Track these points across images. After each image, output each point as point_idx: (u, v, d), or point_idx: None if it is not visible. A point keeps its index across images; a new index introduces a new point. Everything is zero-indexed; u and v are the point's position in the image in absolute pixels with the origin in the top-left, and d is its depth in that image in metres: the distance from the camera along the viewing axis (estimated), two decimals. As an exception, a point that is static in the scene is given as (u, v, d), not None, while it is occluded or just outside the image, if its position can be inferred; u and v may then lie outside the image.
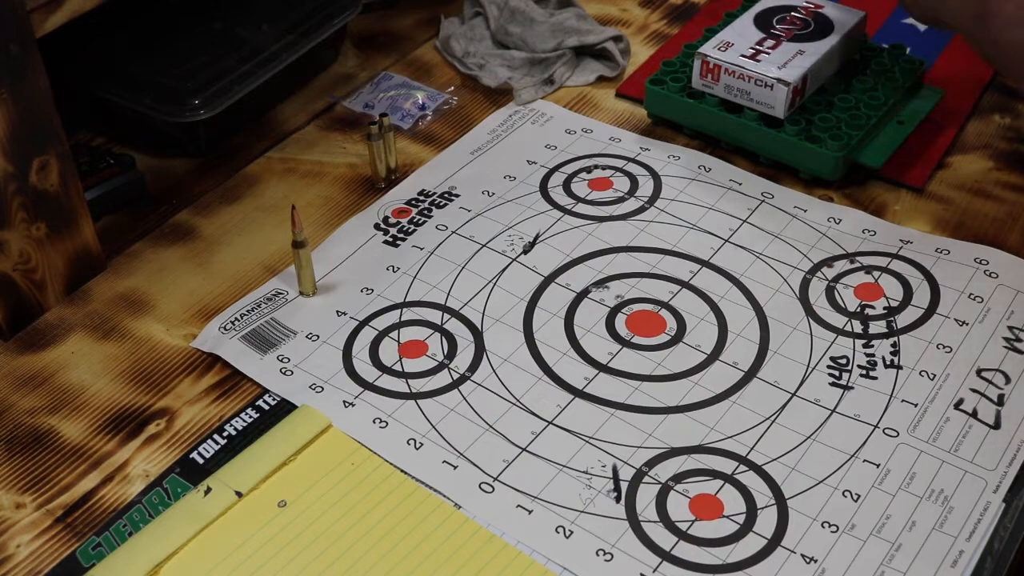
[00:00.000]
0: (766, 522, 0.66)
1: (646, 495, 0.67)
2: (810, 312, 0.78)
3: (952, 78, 0.96)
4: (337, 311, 0.80)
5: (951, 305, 0.77)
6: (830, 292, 0.79)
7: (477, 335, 0.78)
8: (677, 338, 0.77)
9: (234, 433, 0.72)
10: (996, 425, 0.70)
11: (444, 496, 0.68)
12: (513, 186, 0.90)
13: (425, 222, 0.87)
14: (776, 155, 0.89)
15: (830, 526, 0.65)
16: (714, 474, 0.68)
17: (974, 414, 0.70)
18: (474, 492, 0.68)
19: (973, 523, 0.65)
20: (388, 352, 0.77)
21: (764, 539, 0.65)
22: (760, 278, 0.81)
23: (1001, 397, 0.71)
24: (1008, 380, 0.72)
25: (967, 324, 0.76)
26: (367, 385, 0.74)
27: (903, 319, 0.77)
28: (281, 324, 0.79)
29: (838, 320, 0.77)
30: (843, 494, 0.67)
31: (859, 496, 0.67)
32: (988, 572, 0.64)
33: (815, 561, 0.64)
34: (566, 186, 0.89)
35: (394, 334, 0.78)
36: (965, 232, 0.84)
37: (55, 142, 0.77)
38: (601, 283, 0.81)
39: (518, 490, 0.68)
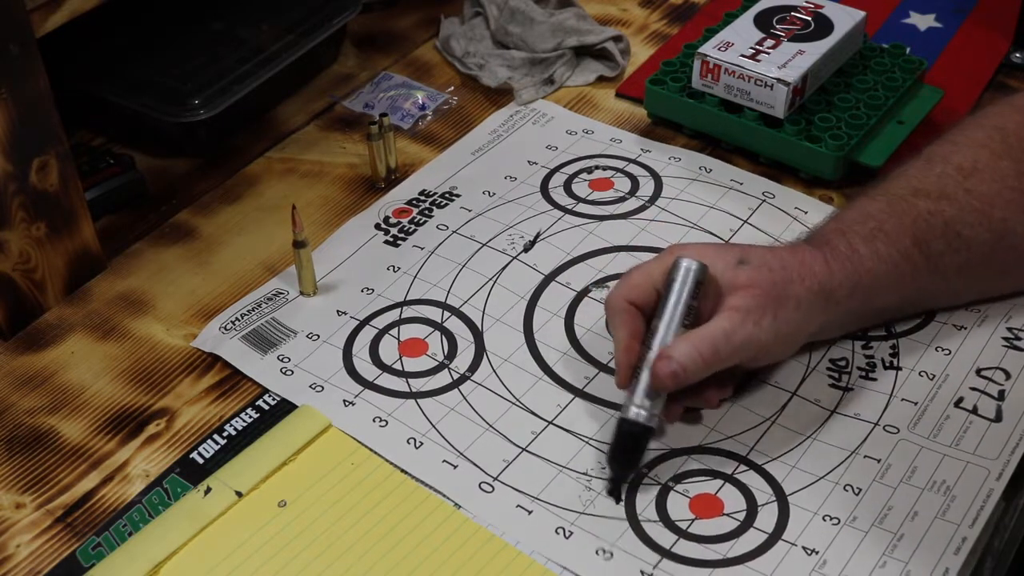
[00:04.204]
0: (767, 518, 0.66)
1: (646, 495, 0.67)
2: (810, 312, 0.78)
3: (952, 78, 0.96)
4: (337, 311, 0.80)
5: (949, 313, 0.77)
6: (830, 292, 0.79)
7: (477, 335, 0.78)
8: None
9: (234, 433, 0.72)
10: (997, 418, 0.70)
11: (444, 496, 0.68)
12: (514, 186, 0.90)
13: (426, 222, 0.87)
14: (776, 155, 0.89)
15: (831, 519, 0.65)
16: (714, 474, 0.68)
17: (974, 410, 0.70)
18: (474, 492, 0.68)
19: (976, 510, 0.65)
20: (388, 350, 0.77)
21: (765, 534, 0.65)
22: (760, 278, 0.80)
23: (1002, 392, 0.71)
24: (1008, 376, 0.72)
25: (965, 328, 0.76)
26: (367, 384, 0.74)
27: (901, 324, 0.77)
28: (281, 324, 0.79)
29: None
30: (844, 488, 0.67)
31: (860, 490, 0.67)
32: (988, 571, 0.64)
33: (816, 553, 0.64)
34: (567, 186, 0.89)
35: (394, 331, 0.78)
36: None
37: (55, 142, 0.77)
38: (602, 282, 0.81)
39: (518, 490, 0.68)
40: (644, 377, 0.66)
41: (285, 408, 0.73)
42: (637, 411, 0.66)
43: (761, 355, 0.69)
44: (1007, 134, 0.75)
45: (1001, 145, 0.74)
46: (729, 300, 0.67)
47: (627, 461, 0.67)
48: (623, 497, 0.67)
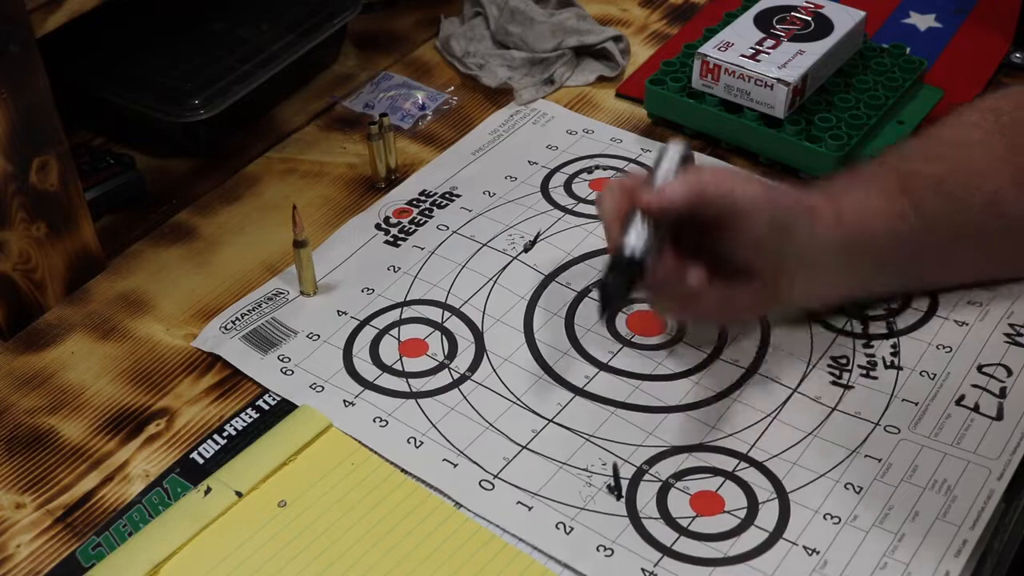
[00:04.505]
0: (767, 516, 0.65)
1: (646, 492, 0.67)
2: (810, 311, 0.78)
3: (952, 78, 0.96)
4: (338, 311, 0.80)
5: (950, 308, 0.77)
6: (831, 291, 0.79)
7: (477, 335, 0.78)
8: (678, 337, 0.77)
9: (234, 433, 0.72)
10: (999, 416, 0.70)
11: (444, 494, 0.68)
12: (514, 186, 0.90)
13: (426, 222, 0.87)
14: (776, 155, 0.89)
15: (832, 518, 0.65)
16: (715, 471, 0.68)
17: (976, 408, 0.70)
18: (474, 490, 0.68)
19: (977, 512, 0.64)
20: (388, 351, 0.77)
21: (765, 532, 0.65)
22: (761, 277, 0.80)
23: (1003, 390, 0.71)
24: (1010, 373, 0.72)
25: (967, 324, 0.76)
26: (367, 384, 0.74)
27: (902, 320, 0.77)
28: (282, 324, 0.79)
29: (838, 320, 0.77)
30: (845, 487, 0.67)
31: (861, 488, 0.67)
32: (988, 571, 0.63)
33: (817, 552, 0.64)
34: (567, 186, 0.89)
35: (394, 332, 0.78)
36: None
37: (55, 142, 0.77)
38: (602, 282, 0.81)
39: (518, 487, 0.68)
40: (636, 219, 0.67)
41: (285, 408, 0.73)
42: (631, 247, 0.67)
43: (741, 223, 0.68)
44: (1000, 114, 0.76)
45: (994, 124, 0.75)
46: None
47: (617, 295, 0.68)
48: (623, 495, 0.67)
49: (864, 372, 0.73)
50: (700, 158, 0.91)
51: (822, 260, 0.71)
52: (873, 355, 0.75)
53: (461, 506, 0.67)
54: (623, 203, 0.68)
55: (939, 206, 0.72)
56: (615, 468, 0.68)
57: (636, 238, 0.67)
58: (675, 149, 0.70)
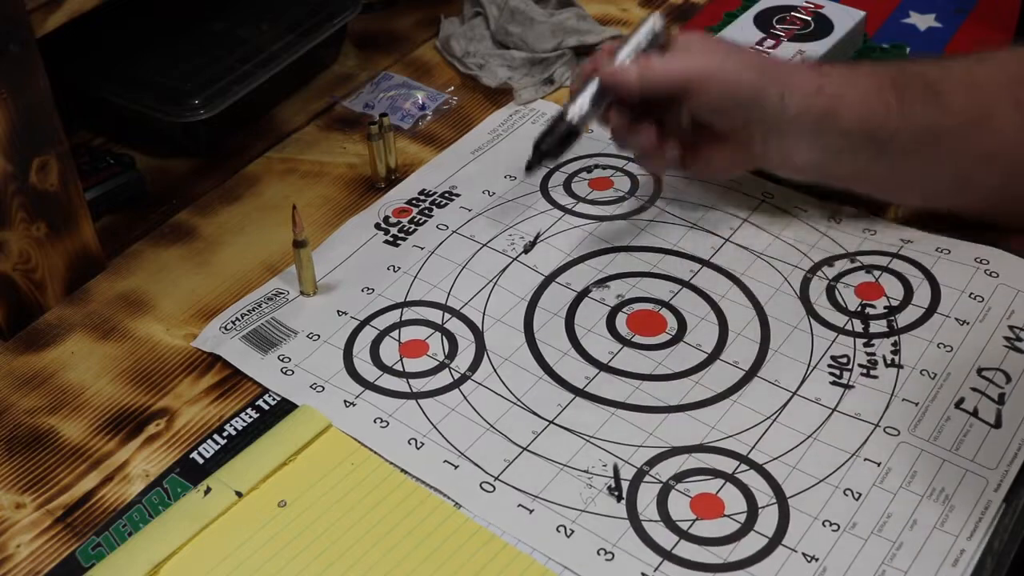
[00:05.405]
0: (767, 521, 0.65)
1: (647, 494, 0.67)
2: (811, 311, 0.78)
3: (952, 78, 0.96)
4: (338, 311, 0.80)
5: (952, 304, 0.77)
6: (830, 291, 0.79)
7: (478, 335, 0.78)
8: (678, 337, 0.77)
9: (234, 433, 0.72)
10: (997, 424, 0.70)
11: (445, 496, 0.68)
12: (514, 186, 0.90)
13: (426, 222, 0.87)
14: (776, 155, 0.89)
15: (831, 524, 0.65)
16: (715, 473, 0.68)
17: (975, 413, 0.70)
18: (475, 491, 0.68)
19: (974, 522, 0.65)
20: (389, 352, 0.77)
21: (765, 538, 0.65)
22: (761, 277, 0.81)
23: (1002, 396, 0.71)
24: (1009, 379, 0.72)
25: (967, 323, 0.76)
26: (368, 385, 0.74)
27: (903, 318, 0.77)
28: (282, 324, 0.79)
29: (839, 319, 0.77)
30: (844, 492, 0.67)
31: (860, 495, 0.67)
32: (988, 571, 0.64)
33: (816, 560, 0.64)
34: (567, 186, 0.89)
35: (395, 333, 0.78)
36: (965, 231, 0.84)
37: (55, 142, 0.77)
38: (602, 282, 0.81)
39: (519, 489, 0.68)
40: (591, 86, 0.73)
41: (285, 408, 0.73)
42: (572, 112, 0.72)
43: (694, 96, 0.74)
44: (1015, 57, 0.77)
45: (1017, 65, 0.76)
46: (682, 42, 0.76)
47: (549, 151, 0.76)
48: (623, 496, 0.67)
49: (864, 371, 0.73)
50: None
51: (793, 129, 0.75)
52: (874, 353, 0.75)
53: (461, 506, 0.67)
54: (591, 68, 0.74)
55: (920, 95, 0.74)
56: (615, 469, 0.68)
57: (579, 105, 0.72)
58: (648, 25, 0.75)
